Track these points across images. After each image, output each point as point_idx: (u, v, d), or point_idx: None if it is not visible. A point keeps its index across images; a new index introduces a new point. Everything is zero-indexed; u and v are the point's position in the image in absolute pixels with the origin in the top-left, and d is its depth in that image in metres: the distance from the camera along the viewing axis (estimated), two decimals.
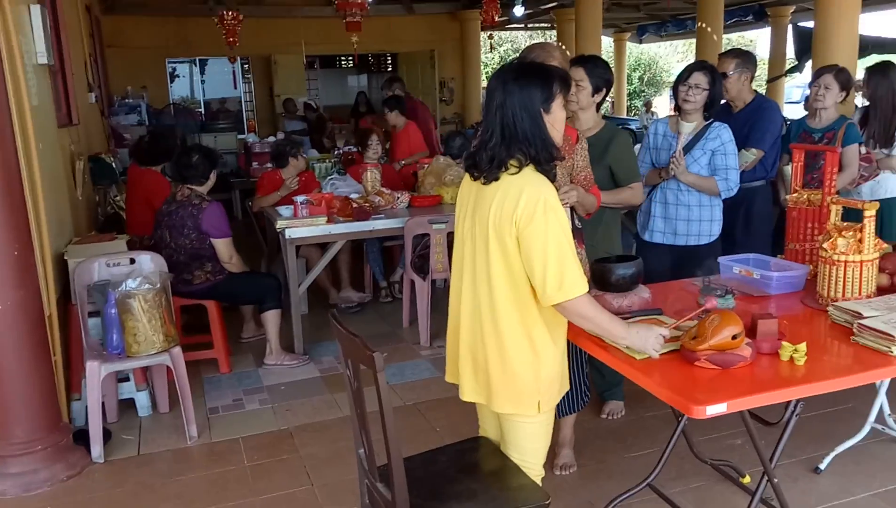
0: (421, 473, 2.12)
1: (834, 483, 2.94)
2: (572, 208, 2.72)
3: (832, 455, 3.02)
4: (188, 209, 4.14)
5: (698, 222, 3.51)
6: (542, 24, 17.13)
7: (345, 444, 3.35)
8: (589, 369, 3.17)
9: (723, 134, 3.44)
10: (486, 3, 9.23)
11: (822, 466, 3.01)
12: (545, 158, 2.00)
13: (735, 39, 26.14)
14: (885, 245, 2.48)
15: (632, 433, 3.43)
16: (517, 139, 1.97)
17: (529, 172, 1.99)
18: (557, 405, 3.02)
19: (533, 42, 3.11)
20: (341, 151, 7.79)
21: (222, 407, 3.89)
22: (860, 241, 2.37)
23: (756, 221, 3.99)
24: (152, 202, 4.81)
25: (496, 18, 9.70)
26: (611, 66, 3.38)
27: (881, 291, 2.47)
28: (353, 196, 5.01)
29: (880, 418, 3.10)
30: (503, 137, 1.98)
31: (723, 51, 4.26)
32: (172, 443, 3.51)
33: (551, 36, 16.49)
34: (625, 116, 16.92)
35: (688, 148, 3.46)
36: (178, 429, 3.58)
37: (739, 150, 3.80)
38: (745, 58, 4.00)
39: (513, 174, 1.98)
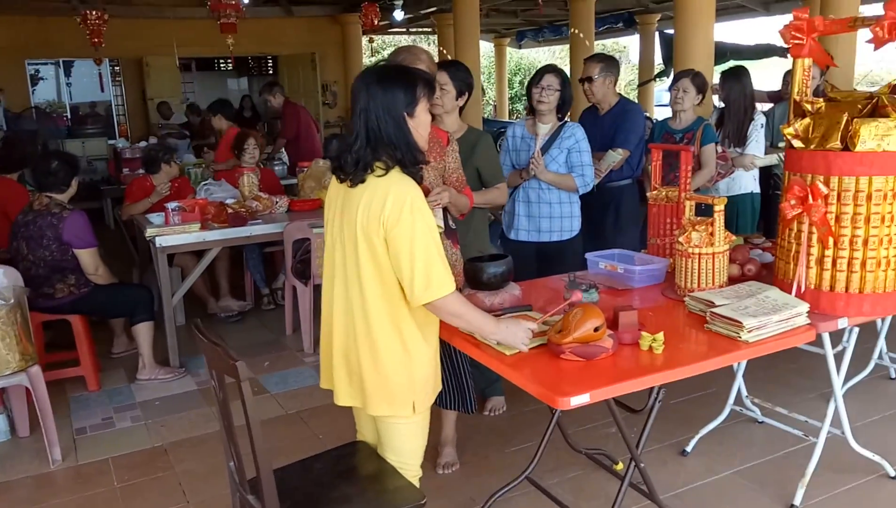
0: (296, 482, 2.07)
1: (700, 464, 3.11)
2: (445, 209, 2.75)
3: (697, 437, 3.20)
4: (47, 219, 3.88)
5: (560, 218, 3.65)
6: (425, 29, 17.28)
7: (223, 458, 3.23)
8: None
9: (576, 133, 3.59)
10: (366, 7, 9.22)
11: (689, 448, 3.18)
12: (410, 161, 2.00)
13: (609, 45, 27.23)
14: (734, 238, 2.65)
15: (513, 428, 3.50)
16: (382, 142, 1.97)
17: (396, 174, 1.99)
18: (448, 402, 3.08)
19: (413, 45, 3.14)
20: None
21: (90, 427, 3.67)
22: (711, 234, 2.52)
23: (624, 218, 4.19)
24: (7, 212, 4.49)
25: (376, 22, 9.71)
26: (475, 70, 3.47)
27: (732, 280, 2.64)
28: (230, 201, 4.86)
29: (739, 400, 3.30)
30: (368, 140, 1.98)
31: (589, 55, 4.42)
32: (34, 469, 3.28)
33: (433, 40, 16.64)
34: (507, 119, 17.29)
35: (545, 148, 3.59)
36: (39, 453, 3.35)
37: (606, 150, 3.98)
38: (609, 62, 4.17)
39: (379, 176, 1.97)
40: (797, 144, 2.42)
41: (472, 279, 2.46)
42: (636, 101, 15.85)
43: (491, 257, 2.51)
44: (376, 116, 1.97)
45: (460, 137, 3.19)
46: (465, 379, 3.07)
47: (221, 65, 15.67)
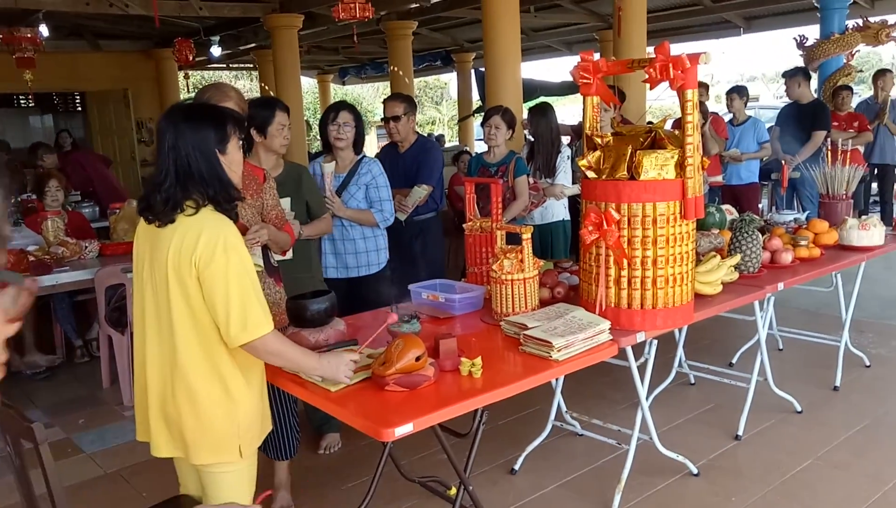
0: None
1: (527, 480, 3.25)
2: (265, 247, 2.72)
3: (524, 454, 3.35)
4: None
5: (365, 253, 3.72)
6: (246, 65, 16.97)
7: None
8: (303, 405, 3.16)
9: (373, 168, 3.69)
10: (179, 43, 8.92)
11: (517, 466, 3.32)
12: (225, 199, 1.98)
13: (431, 81, 28.10)
14: (542, 263, 2.83)
15: (348, 464, 3.47)
16: (193, 180, 1.93)
17: (207, 212, 1.95)
18: (271, 450, 3.00)
19: (221, 82, 3.10)
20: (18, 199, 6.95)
21: None
22: (522, 261, 2.68)
23: (431, 248, 4.37)
24: None
25: (191, 58, 9.41)
26: (297, 106, 3.51)
27: (544, 303, 2.81)
28: (31, 248, 4.48)
29: (560, 416, 3.50)
30: (178, 178, 1.93)
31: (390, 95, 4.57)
32: None
33: (255, 76, 16.36)
34: None
35: (345, 184, 3.66)
36: None
37: (407, 185, 4.12)
38: (410, 102, 4.33)
39: (190, 215, 1.92)
40: (591, 174, 2.64)
41: (296, 317, 2.44)
42: (457, 135, 16.51)
43: (314, 294, 2.50)
44: (186, 153, 1.93)
45: (282, 172, 3.19)
46: (287, 424, 3.02)
47: (22, 101, 14.46)
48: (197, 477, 2.13)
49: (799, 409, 3.77)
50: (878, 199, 8.51)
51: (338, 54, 15.37)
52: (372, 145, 20.70)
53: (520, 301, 2.67)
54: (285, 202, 3.12)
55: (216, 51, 10.79)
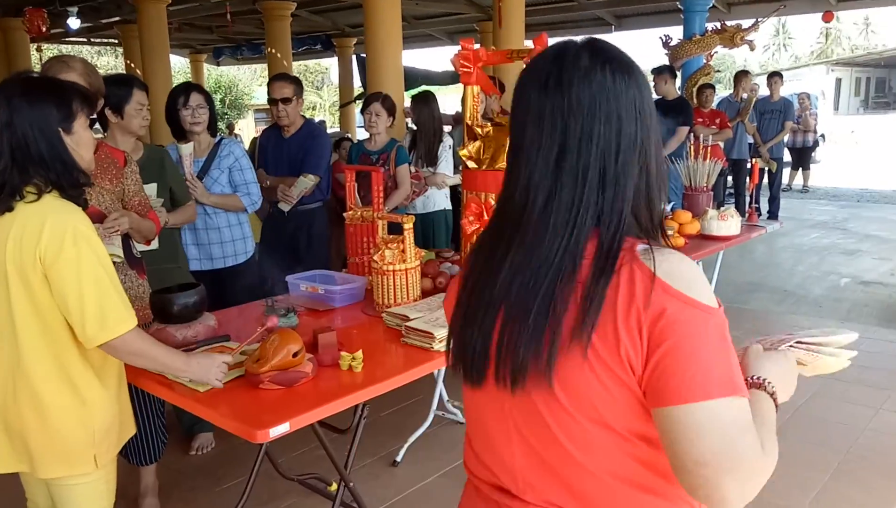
0: None
1: (409, 472, 3.22)
2: (127, 236, 2.53)
3: (406, 446, 3.32)
4: None
5: (231, 242, 3.54)
6: (110, 40, 15.94)
7: None
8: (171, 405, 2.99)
9: (235, 150, 3.53)
10: (30, 12, 8.19)
11: (399, 458, 3.29)
12: (69, 183, 1.79)
13: (311, 66, 27.52)
14: (424, 253, 2.80)
15: (222, 465, 3.32)
16: (33, 162, 1.74)
17: (52, 199, 1.76)
18: (133, 455, 2.81)
19: (66, 54, 2.83)
20: None
21: None
22: (403, 251, 2.63)
23: (316, 240, 4.19)
24: None
25: (45, 29, 8.67)
26: (166, 86, 3.27)
27: (426, 293, 2.78)
28: None
29: (441, 405, 3.50)
30: (14, 160, 1.73)
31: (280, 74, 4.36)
32: None
33: (120, 52, 15.40)
34: None
35: (206, 169, 3.48)
36: None
37: (292, 172, 3.95)
38: (299, 83, 4.15)
39: (30, 203, 1.73)
40: (471, 164, 2.63)
41: (161, 312, 2.28)
42: (338, 121, 16.22)
43: (181, 287, 2.35)
44: (23, 132, 1.73)
45: (142, 156, 2.98)
46: (151, 426, 2.84)
47: None
48: (47, 492, 1.95)
49: None
50: (732, 191, 9.10)
51: (211, 33, 14.71)
52: (249, 129, 20.06)
53: (401, 292, 2.63)
54: (150, 188, 2.92)
55: (74, 23, 9.99)
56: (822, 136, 15.25)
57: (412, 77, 10.36)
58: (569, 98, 0.99)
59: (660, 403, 0.93)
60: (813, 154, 12.98)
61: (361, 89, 12.76)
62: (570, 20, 12.59)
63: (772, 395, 1.05)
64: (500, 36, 6.88)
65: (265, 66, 13.59)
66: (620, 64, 1.02)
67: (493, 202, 2.50)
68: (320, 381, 2.09)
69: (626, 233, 0.99)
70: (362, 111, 4.56)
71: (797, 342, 1.19)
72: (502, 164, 2.53)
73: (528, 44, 2.60)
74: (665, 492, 1.01)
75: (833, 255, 7.40)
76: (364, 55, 12.82)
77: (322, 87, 28.73)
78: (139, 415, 2.72)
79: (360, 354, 2.16)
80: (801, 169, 12.34)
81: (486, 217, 2.51)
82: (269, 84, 4.16)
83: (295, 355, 2.02)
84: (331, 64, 24.42)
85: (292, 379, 2.01)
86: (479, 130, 2.66)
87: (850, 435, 3.44)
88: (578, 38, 1.05)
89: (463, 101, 2.75)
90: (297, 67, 11.25)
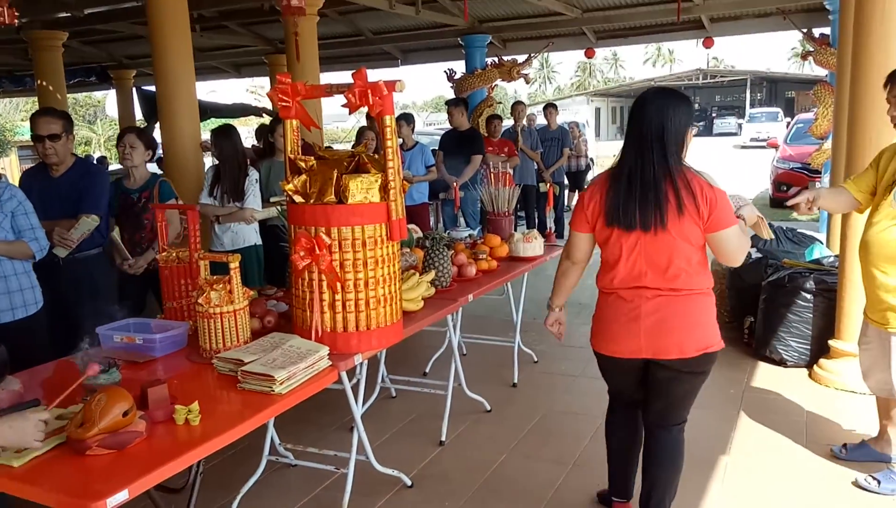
0: None
1: None
2: None
3: (238, 497, 3.14)
4: None
5: (20, 291, 3.20)
6: None
7: None
8: None
9: (16, 194, 3.21)
10: None
11: None
12: None
13: (81, 99, 25.48)
14: (252, 292, 2.70)
15: None
16: None
17: None
18: None
19: None
20: None
21: None
22: (230, 292, 2.52)
23: (102, 288, 3.84)
24: None
25: None
26: None
27: (255, 334, 2.68)
28: None
29: (273, 450, 3.36)
30: None
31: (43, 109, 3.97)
32: None
33: None
34: None
35: None
36: None
37: (69, 216, 3.63)
38: (68, 118, 3.80)
39: None
40: (298, 199, 2.59)
41: None
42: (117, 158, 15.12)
43: None
44: None
45: None
46: None
47: None
48: None
49: (488, 408, 4.12)
50: (521, 214, 9.72)
51: None
52: (13, 168, 18.06)
53: (231, 335, 2.51)
54: None
55: None
56: (592, 160, 16.80)
57: (199, 109, 9.94)
58: (658, 109, 2.46)
59: (712, 230, 2.44)
60: (587, 177, 14.30)
61: (144, 123, 12.04)
62: (359, 54, 12.81)
63: (743, 219, 2.60)
64: (297, 69, 6.84)
65: (29, 99, 12.34)
66: (678, 96, 2.53)
67: (323, 236, 2.48)
68: (154, 439, 1.94)
69: (680, 165, 2.45)
70: (117, 144, 4.22)
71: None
72: (330, 197, 2.52)
73: (331, 78, 2.62)
74: (708, 274, 2.55)
75: None
76: (146, 88, 12.17)
77: (95, 120, 26.56)
78: None
79: (196, 406, 2.04)
80: (577, 191, 13.51)
81: (317, 251, 2.48)
82: (32, 120, 3.74)
83: (125, 414, 1.86)
84: (104, 96, 22.70)
85: (124, 441, 1.85)
86: (302, 163, 2.63)
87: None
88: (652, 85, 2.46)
89: (283, 134, 2.70)
90: (69, 101, 10.32)
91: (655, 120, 2.42)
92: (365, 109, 2.62)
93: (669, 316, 2.48)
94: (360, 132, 6.48)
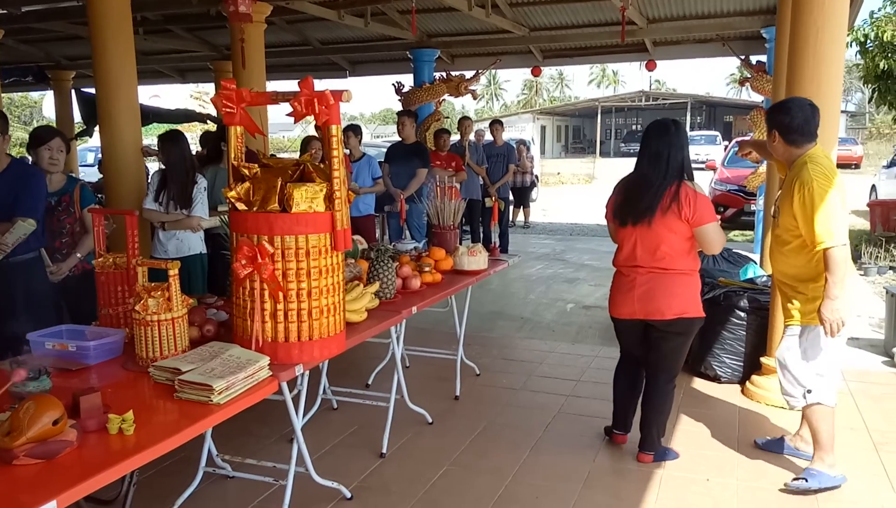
0: None
1: None
2: None
3: None
4: None
5: None
6: None
7: None
8: None
9: None
10: None
11: None
12: None
13: (17, 99, 24.66)
14: (192, 300, 2.66)
15: None
16: None
17: None
18: None
19: None
20: None
21: None
22: (169, 299, 2.47)
23: (38, 295, 3.73)
24: None
25: None
26: None
27: (194, 343, 2.63)
28: None
29: (210, 461, 3.30)
30: None
31: None
32: None
33: None
34: None
35: None
36: None
37: (5, 220, 3.51)
38: (5, 118, 3.66)
39: None
40: (241, 206, 2.56)
41: None
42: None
43: None
44: None
45: None
46: None
47: None
48: None
49: (430, 420, 4.12)
50: (466, 228, 9.79)
51: None
52: None
53: (169, 343, 2.47)
54: None
55: None
56: (537, 176, 17.05)
57: (142, 114, 9.71)
58: (667, 136, 3.35)
59: (695, 225, 3.28)
60: (531, 193, 14.50)
61: (83, 125, 11.70)
62: (307, 63, 12.72)
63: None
64: (243, 76, 6.75)
65: None
66: (677, 125, 3.40)
67: (266, 245, 2.46)
68: (86, 449, 1.89)
69: (681, 179, 3.30)
70: (36, 147, 4.01)
71: None
72: (274, 205, 2.50)
73: (278, 86, 2.61)
74: (692, 258, 3.37)
75: (557, 283, 8.28)
76: (85, 89, 11.82)
77: (31, 121, 25.68)
78: None
79: (130, 415, 1.99)
80: (522, 207, 13.68)
81: (259, 260, 2.46)
82: None
83: (55, 422, 1.81)
84: (41, 97, 21.99)
85: (54, 450, 1.80)
86: (245, 170, 2.61)
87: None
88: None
89: (227, 141, 2.67)
90: (2, 100, 9.94)
91: (658, 145, 3.33)
92: (312, 119, 2.61)
93: (655, 288, 3.34)
94: (306, 141, 6.43)
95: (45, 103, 21.15)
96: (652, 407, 3.54)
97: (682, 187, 3.26)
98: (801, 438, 3.63)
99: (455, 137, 9.60)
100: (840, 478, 3.30)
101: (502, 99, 66.84)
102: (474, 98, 10.99)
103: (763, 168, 7.95)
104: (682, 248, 3.31)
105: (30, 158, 4.19)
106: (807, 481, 3.27)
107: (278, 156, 4.35)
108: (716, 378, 4.74)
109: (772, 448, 3.69)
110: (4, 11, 8.26)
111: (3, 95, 10.33)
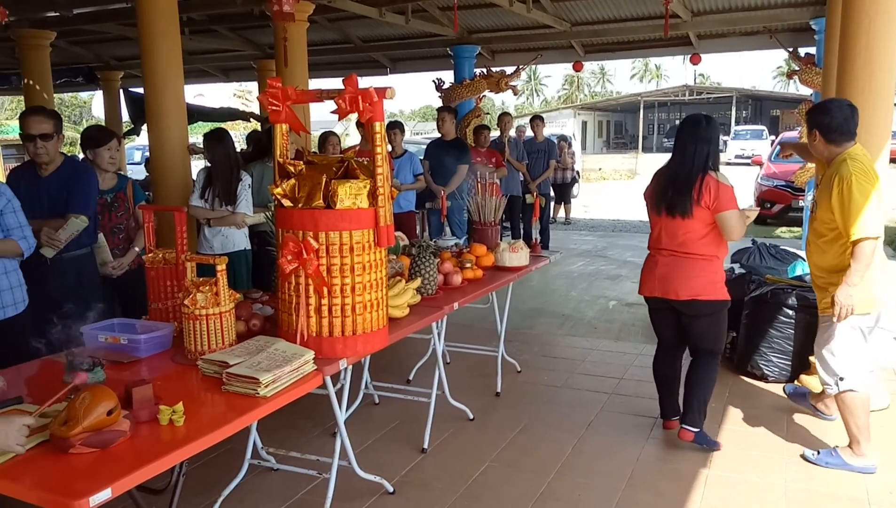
0: None
1: None
2: None
3: (220, 500, 3.13)
4: None
5: (10, 290, 3.19)
6: None
7: None
8: None
9: (5, 191, 3.19)
10: None
11: None
12: None
13: (67, 99, 25.31)
14: (238, 295, 2.70)
15: None
16: None
17: None
18: None
19: None
20: None
21: None
22: (216, 294, 2.52)
23: (88, 288, 3.81)
24: None
25: None
26: None
27: (241, 337, 2.68)
28: None
29: (255, 453, 3.35)
30: None
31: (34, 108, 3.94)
32: None
33: None
34: None
35: None
36: None
37: (57, 216, 3.61)
38: (59, 118, 3.76)
39: None
40: (286, 203, 2.60)
41: None
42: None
43: None
44: None
45: None
46: None
47: None
48: None
49: (471, 416, 4.13)
50: (507, 225, 9.77)
51: None
52: None
53: (216, 337, 2.51)
54: None
55: None
56: (578, 173, 16.90)
57: (188, 113, 9.92)
58: (696, 130, 3.54)
59: (717, 211, 3.44)
60: (572, 189, 14.38)
61: (131, 124, 11.99)
62: (348, 61, 12.82)
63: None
64: (286, 74, 6.84)
65: (14, 98, 12.22)
66: (708, 120, 3.58)
67: (311, 241, 2.49)
68: (138, 439, 1.94)
69: (707, 171, 3.47)
70: (94, 147, 4.13)
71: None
72: (319, 202, 2.53)
73: (320, 84, 2.64)
74: (712, 244, 3.52)
75: (599, 280, 8.21)
76: (133, 89, 12.11)
77: (81, 121, 26.39)
78: None
79: (180, 406, 2.03)
80: (563, 203, 13.58)
81: (304, 255, 2.49)
82: (23, 118, 3.73)
83: (109, 413, 1.86)
84: (90, 97, 22.55)
85: (108, 440, 1.85)
86: (290, 167, 2.64)
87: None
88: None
89: (273, 138, 2.71)
90: (54, 100, 10.25)
91: (686, 139, 3.53)
92: (354, 116, 2.63)
93: (673, 270, 3.57)
94: (324, 137, 6.47)
95: (94, 103, 21.68)
96: (693, 382, 3.66)
97: (706, 179, 3.44)
98: (821, 400, 3.98)
99: (495, 133, 9.57)
100: (863, 468, 3.41)
101: (543, 94, 66.42)
102: (515, 94, 10.96)
103: (811, 163, 7.76)
104: (702, 233, 3.49)
105: (81, 156, 4.31)
106: (818, 454, 3.52)
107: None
108: (763, 377, 4.65)
109: (796, 399, 4.18)
110: (57, 14, 8.49)
111: (54, 95, 10.61)
